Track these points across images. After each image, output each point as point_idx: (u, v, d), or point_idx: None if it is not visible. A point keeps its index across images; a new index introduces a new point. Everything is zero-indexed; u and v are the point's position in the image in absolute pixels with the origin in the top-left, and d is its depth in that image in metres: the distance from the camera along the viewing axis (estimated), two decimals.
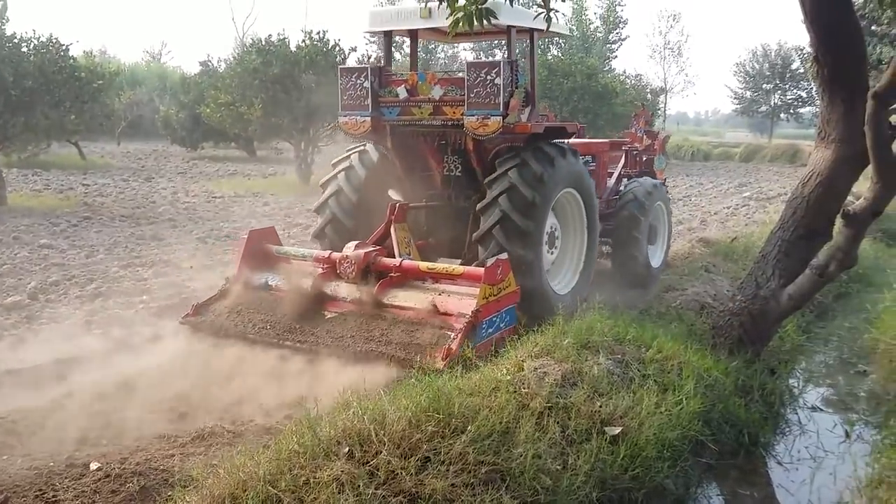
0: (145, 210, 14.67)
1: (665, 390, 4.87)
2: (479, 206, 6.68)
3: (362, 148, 7.62)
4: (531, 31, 7.09)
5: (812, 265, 5.33)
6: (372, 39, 63.67)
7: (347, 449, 3.47)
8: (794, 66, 50.87)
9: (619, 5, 51.98)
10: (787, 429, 5.70)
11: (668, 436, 4.42)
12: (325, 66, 19.50)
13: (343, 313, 6.02)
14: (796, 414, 5.88)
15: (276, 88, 19.20)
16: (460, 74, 6.93)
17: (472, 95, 6.53)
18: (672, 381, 4.99)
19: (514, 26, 6.85)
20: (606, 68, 44.74)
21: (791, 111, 53.20)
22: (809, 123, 52.49)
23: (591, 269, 7.72)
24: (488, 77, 6.48)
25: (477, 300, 5.51)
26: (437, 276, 6.14)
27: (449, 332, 5.45)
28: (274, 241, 7.02)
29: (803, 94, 51.43)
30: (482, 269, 5.64)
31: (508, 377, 4.45)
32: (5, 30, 15.02)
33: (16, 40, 15.10)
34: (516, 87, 6.57)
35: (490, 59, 6.11)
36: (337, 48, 20.38)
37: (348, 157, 7.60)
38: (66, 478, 3.92)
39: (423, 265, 6.20)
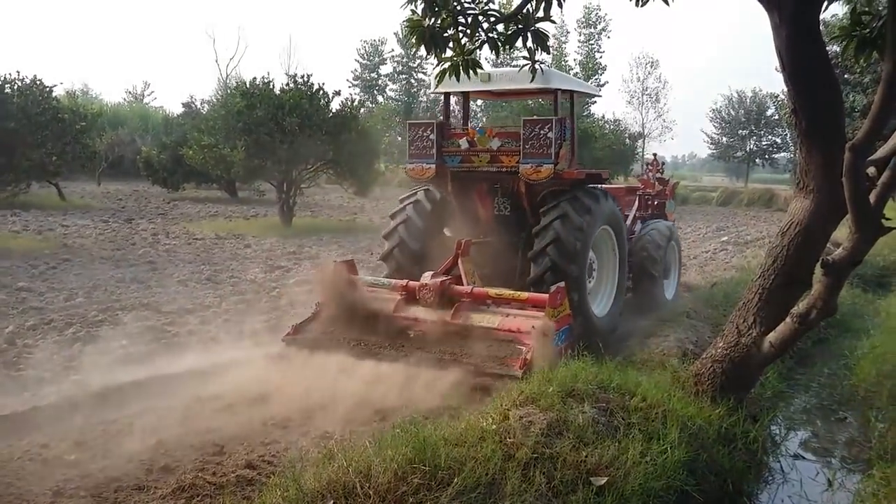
0: (125, 252, 14.56)
1: (650, 439, 4.86)
2: (530, 254, 7.82)
3: (426, 188, 8.74)
4: (572, 92, 8.67)
5: (793, 313, 5.37)
6: (355, 83, 64.29)
7: (332, 502, 3.44)
8: (768, 113, 51.91)
9: (598, 52, 52.96)
10: (771, 477, 5.70)
11: (653, 486, 4.40)
12: (310, 110, 19.64)
13: (424, 332, 7.07)
14: (779, 462, 5.89)
15: (260, 131, 19.28)
16: (515, 129, 8.21)
17: (527, 147, 7.79)
18: (656, 429, 4.99)
19: (560, 89, 8.31)
20: (586, 113, 45.35)
21: (766, 157, 54.16)
22: (784, 169, 53.48)
23: (623, 293, 8.94)
24: (542, 132, 7.75)
25: (542, 320, 6.56)
26: (504, 301, 7.24)
27: (521, 347, 6.55)
28: (353, 272, 7.93)
29: (778, 140, 52.43)
30: (545, 295, 6.78)
31: (494, 426, 4.43)
32: None
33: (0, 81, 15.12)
34: (564, 141, 7.94)
35: (542, 117, 7.09)
36: (321, 91, 20.55)
37: (415, 194, 8.77)
38: None
39: (493, 291, 7.31)
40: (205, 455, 5.11)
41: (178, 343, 8.11)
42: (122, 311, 9.48)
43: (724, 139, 55.62)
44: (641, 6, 5.00)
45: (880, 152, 5.10)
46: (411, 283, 7.51)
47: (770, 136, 53.42)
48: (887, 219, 4.98)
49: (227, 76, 58.58)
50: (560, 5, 4.79)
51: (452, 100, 10.05)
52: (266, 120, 19.33)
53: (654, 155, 12.59)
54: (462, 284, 7.49)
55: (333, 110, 20.71)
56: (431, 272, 7.53)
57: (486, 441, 4.21)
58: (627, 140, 41.85)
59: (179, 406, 6.20)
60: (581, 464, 4.33)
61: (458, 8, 4.76)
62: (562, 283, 7.00)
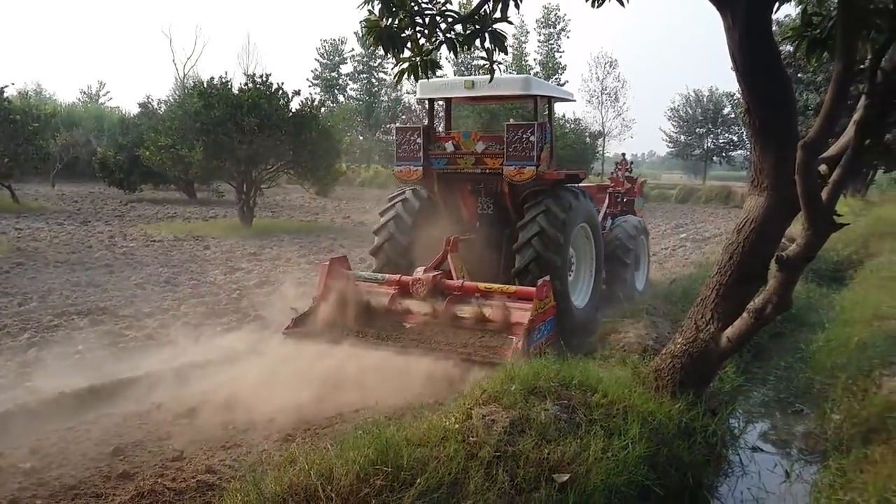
0: (81, 255, 14.27)
1: (611, 435, 4.90)
2: (515, 246, 8.34)
3: (413, 188, 9.23)
4: (550, 98, 9.35)
5: (749, 309, 5.46)
6: (315, 82, 63.90)
7: None
8: (725, 111, 52.84)
9: (558, 52, 53.31)
10: (730, 470, 5.80)
11: (615, 481, 4.44)
12: (269, 110, 19.45)
13: (418, 324, 7.64)
14: (738, 455, 5.98)
15: (218, 131, 19.03)
16: (498, 133, 8.67)
17: (510, 150, 8.33)
18: (618, 425, 5.03)
19: (539, 95, 8.97)
20: (546, 113, 45.62)
21: (723, 154, 55.13)
22: (741, 166, 54.48)
23: (600, 286, 9.59)
24: (524, 135, 8.31)
25: (532, 311, 7.10)
26: (492, 294, 7.66)
27: (511, 336, 7.07)
28: (346, 268, 8.51)
29: (734, 138, 53.42)
30: (532, 289, 7.31)
31: (457, 426, 4.43)
32: None
33: None
34: (545, 143, 8.46)
35: (525, 122, 7.75)
36: (281, 91, 20.36)
37: (403, 193, 9.26)
38: None
39: (482, 285, 7.77)
40: (164, 461, 5.05)
41: (136, 347, 7.98)
42: (77, 315, 9.30)
43: (682, 137, 56.50)
44: (598, 7, 5.04)
45: (831, 150, 5.21)
46: (404, 277, 8.03)
47: (727, 134, 54.41)
48: (839, 215, 5.08)
49: (185, 76, 57.92)
50: (517, 6, 4.82)
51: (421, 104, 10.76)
52: (224, 120, 19.07)
53: (623, 155, 13.11)
54: (452, 279, 7.98)
55: (293, 110, 20.53)
56: (423, 267, 8.01)
57: (449, 441, 4.21)
58: (588, 139, 42.19)
59: (138, 411, 6.12)
60: (543, 461, 4.35)
61: (416, 8, 4.76)
62: (547, 277, 7.53)
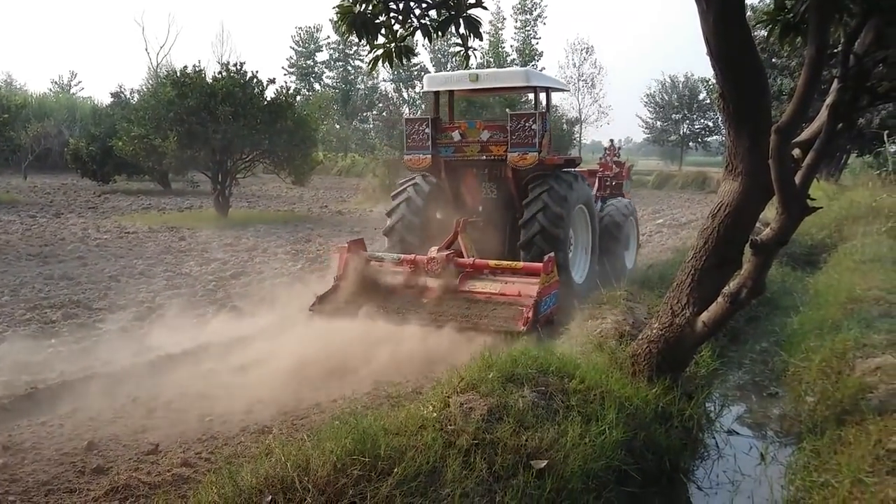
0: (54, 248, 14.08)
1: (588, 421, 4.92)
2: (521, 221, 9.07)
3: (422, 175, 9.94)
4: (548, 89, 10.08)
5: (724, 293, 5.49)
6: (291, 70, 63.46)
7: (270, 498, 3.38)
8: (700, 97, 53.09)
9: (535, 38, 53.27)
10: (706, 453, 5.84)
11: (592, 467, 4.45)
12: (244, 99, 19.26)
13: (435, 299, 8.21)
14: (714, 438, 6.03)
15: (192, 121, 18.82)
16: (501, 122, 9.44)
17: (514, 137, 9.04)
18: (595, 410, 5.05)
19: (538, 86, 9.69)
20: (524, 99, 45.63)
21: (699, 140, 55.45)
22: (716, 152, 54.85)
23: (595, 264, 10.32)
24: (526, 124, 9.02)
25: (539, 284, 7.77)
26: (501, 270, 8.35)
27: (521, 308, 7.69)
28: (363, 249, 9.06)
29: (710, 124, 53.71)
30: (539, 264, 7.96)
31: (434, 414, 4.42)
32: None
33: None
34: (545, 131, 9.16)
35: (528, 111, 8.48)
36: (255, 79, 20.17)
37: (414, 178, 9.99)
38: None
39: (492, 262, 8.49)
40: (139, 454, 4.98)
41: (110, 340, 7.88)
42: (50, 308, 9.17)
43: (659, 123, 56.73)
44: None
45: (804, 135, 5.25)
46: (419, 256, 8.67)
47: (702, 120, 54.69)
48: (812, 199, 5.12)
49: (158, 65, 57.28)
50: None
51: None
52: (198, 109, 18.89)
53: (612, 141, 13.65)
54: (463, 257, 8.65)
55: (268, 98, 20.36)
56: (436, 247, 8.73)
57: (427, 429, 4.20)
58: (565, 125, 42.24)
59: (113, 405, 6.04)
60: (521, 448, 4.34)
61: None
62: (552, 254, 8.21)
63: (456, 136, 9.59)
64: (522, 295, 7.87)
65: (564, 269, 8.85)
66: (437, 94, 10.37)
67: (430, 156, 9.54)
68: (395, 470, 3.64)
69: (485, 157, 9.43)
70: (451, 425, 4.34)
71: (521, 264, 8.36)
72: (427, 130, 9.56)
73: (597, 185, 11.90)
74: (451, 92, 10.34)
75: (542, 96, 9.90)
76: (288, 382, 6.44)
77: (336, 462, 3.60)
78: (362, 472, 3.59)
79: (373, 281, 8.59)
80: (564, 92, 10.29)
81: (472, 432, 4.27)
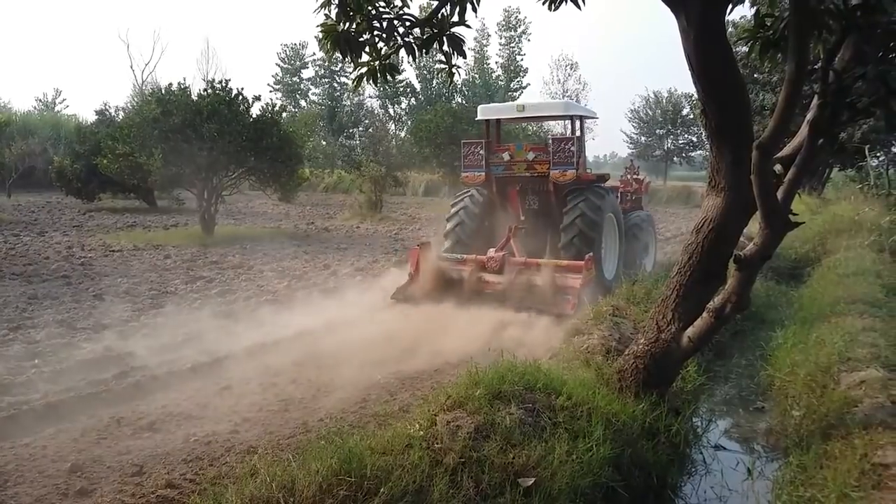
0: (38, 267, 13.95)
1: (576, 437, 4.91)
2: (562, 226, 10.76)
3: (476, 188, 11.77)
4: (582, 117, 11.92)
5: (709, 308, 5.52)
6: (276, 87, 63.53)
7: None
8: (684, 112, 53.50)
9: (519, 55, 53.63)
10: (693, 469, 5.85)
11: (580, 483, 4.45)
12: (229, 116, 19.22)
13: (495, 290, 10.09)
14: (701, 454, 6.04)
15: (178, 138, 18.75)
16: (543, 145, 11.87)
17: (555, 157, 11.06)
18: (582, 427, 5.05)
19: (574, 115, 11.76)
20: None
21: (683, 155, 55.82)
22: (700, 166, 55.26)
23: (621, 264, 11.99)
24: (566, 146, 11.06)
25: (582, 278, 9.58)
26: (549, 267, 10.04)
27: (567, 296, 9.51)
28: (432, 251, 10.86)
29: (694, 139, 54.11)
30: (581, 262, 9.76)
31: (421, 433, 4.40)
32: None
33: None
34: (581, 152, 11.15)
35: (567, 135, 12.31)
36: (241, 97, 20.15)
37: (469, 191, 11.83)
38: None
39: (541, 261, 10.34)
40: (123, 476, 4.93)
41: (94, 360, 7.80)
42: (34, 328, 9.08)
43: (643, 138, 57.09)
44: (554, 9, 5.06)
45: (786, 150, 5.30)
46: (479, 256, 10.51)
47: (686, 135, 55.10)
48: (795, 214, 5.16)
49: (143, 82, 57.19)
50: (475, 10, 4.81)
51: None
52: (183, 127, 18.82)
53: (632, 160, 15.50)
54: (516, 257, 10.44)
55: (254, 116, 20.33)
56: (493, 249, 10.59)
57: (414, 448, 4.18)
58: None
59: (96, 426, 5.97)
60: (509, 465, 4.34)
61: (373, 12, 4.72)
62: (591, 253, 9.97)
63: (506, 156, 11.58)
64: (568, 286, 9.60)
65: (597, 266, 10.42)
66: (487, 121, 12.08)
67: (483, 173, 11.57)
68: (382, 490, 3.62)
69: (529, 174, 11.37)
70: (437, 444, 4.32)
71: (565, 262, 10.05)
72: (481, 152, 11.59)
73: (619, 199, 13.14)
74: (498, 120, 12.39)
75: (577, 123, 11.62)
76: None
77: (322, 482, 3.58)
78: (348, 493, 3.57)
79: (440, 276, 10.41)
80: (594, 119, 13.48)
81: (458, 451, 4.26)
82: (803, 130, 4.98)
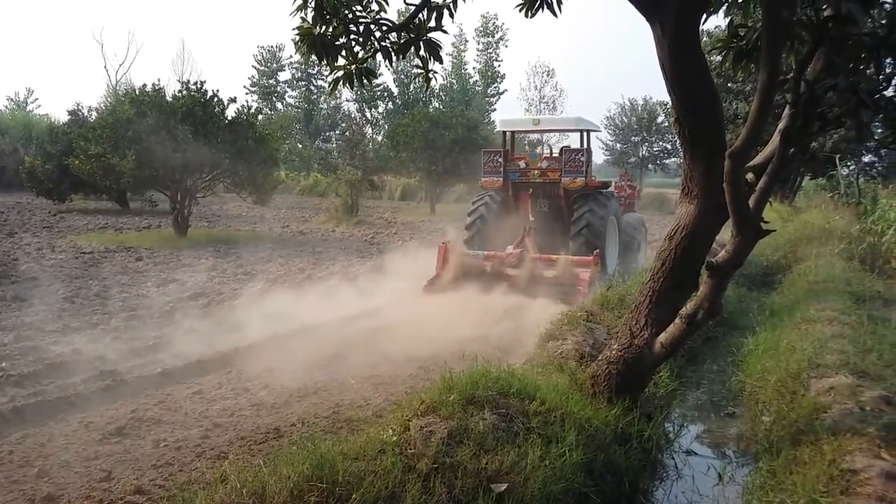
0: (6, 268, 13.73)
1: (549, 443, 4.91)
2: (572, 222, 12.41)
3: (493, 192, 13.27)
4: (590, 131, 13.63)
5: (681, 314, 5.55)
6: (253, 90, 63.19)
7: None
8: (659, 120, 54.00)
9: (497, 61, 53.84)
10: (665, 474, 5.87)
11: (552, 489, 4.44)
12: (204, 118, 19.06)
13: (515, 282, 11.32)
14: (673, 459, 6.07)
15: (151, 139, 18.56)
16: (555, 155, 13.74)
17: (566, 166, 12.70)
18: (555, 432, 5.04)
19: (584, 129, 13.42)
20: (486, 120, 45.97)
21: (658, 162, 56.31)
22: (675, 173, 55.77)
23: (619, 260, 13.52)
24: (576, 157, 12.72)
25: (590, 271, 10.98)
26: (561, 262, 11.37)
27: (578, 287, 10.84)
28: (455, 248, 12.11)
29: (668, 147, 54.64)
30: (590, 257, 11.19)
31: (394, 438, 4.38)
32: None
33: None
34: (589, 162, 12.84)
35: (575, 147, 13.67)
36: (216, 98, 20.00)
37: (487, 193, 13.30)
38: None
39: (553, 256, 11.62)
40: (91, 482, 4.87)
41: (63, 363, 7.69)
42: (1, 331, 8.93)
43: (619, 145, 57.50)
44: (531, 17, 5.08)
45: (758, 159, 5.34)
46: (499, 252, 11.78)
47: (661, 143, 55.63)
48: (766, 222, 5.21)
49: (117, 82, 56.62)
50: (451, 16, 4.81)
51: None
52: (157, 128, 18.64)
53: (626, 169, 15.86)
54: (531, 253, 11.78)
55: (229, 118, 20.20)
56: (511, 245, 11.88)
57: (386, 454, 4.15)
58: (527, 147, 42.65)
59: (64, 431, 5.89)
60: (482, 471, 4.32)
61: (350, 16, 4.71)
62: (598, 250, 11.45)
63: (522, 164, 13.23)
64: (578, 278, 10.95)
65: (601, 261, 11.67)
66: (504, 132, 13.86)
67: (501, 179, 13.18)
68: (354, 496, 3.59)
69: (542, 180, 13.01)
70: (410, 449, 4.30)
71: (575, 258, 11.45)
72: (499, 160, 13.25)
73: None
74: (513, 131, 14.36)
75: (586, 136, 13.28)
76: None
77: (293, 488, 3.55)
78: (320, 499, 3.54)
79: (465, 269, 11.70)
80: (597, 132, 15.99)
81: (431, 456, 4.24)
82: (775, 139, 5.03)
